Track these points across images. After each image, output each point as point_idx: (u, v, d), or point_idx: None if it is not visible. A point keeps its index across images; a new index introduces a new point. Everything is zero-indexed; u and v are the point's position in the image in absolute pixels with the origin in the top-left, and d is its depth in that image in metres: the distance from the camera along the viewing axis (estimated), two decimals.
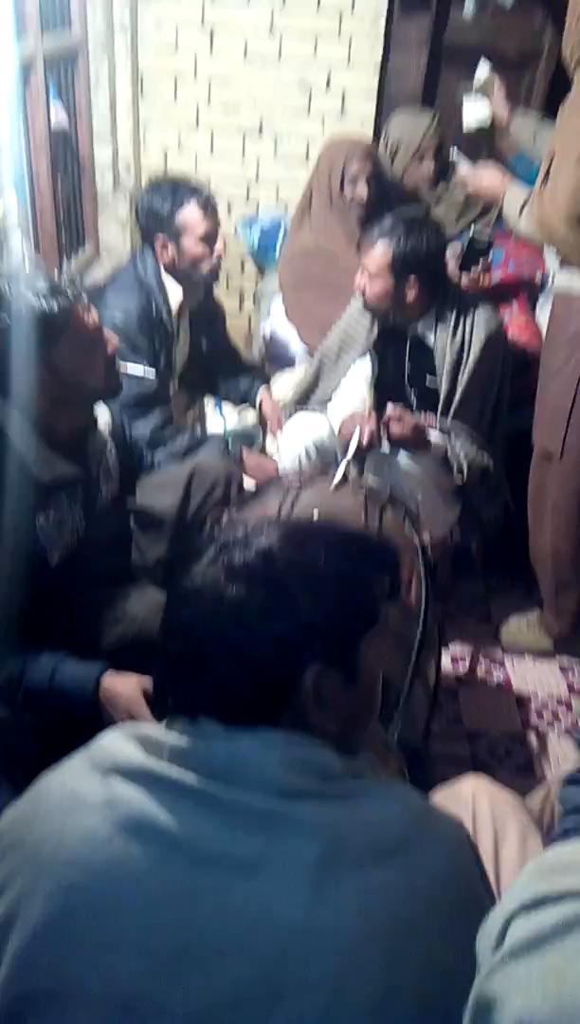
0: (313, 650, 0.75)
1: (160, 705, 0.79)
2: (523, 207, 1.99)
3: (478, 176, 2.20)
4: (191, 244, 2.17)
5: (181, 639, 0.78)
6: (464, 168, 2.22)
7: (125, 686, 1.34)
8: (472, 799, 1.15)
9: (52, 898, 0.70)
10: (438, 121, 2.69)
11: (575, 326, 1.96)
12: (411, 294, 2.08)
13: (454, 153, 2.22)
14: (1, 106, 1.92)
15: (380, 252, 2.05)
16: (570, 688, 2.28)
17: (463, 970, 0.66)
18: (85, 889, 0.69)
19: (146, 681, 1.33)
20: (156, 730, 0.76)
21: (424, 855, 0.71)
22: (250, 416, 2.51)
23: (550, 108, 3.03)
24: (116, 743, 0.76)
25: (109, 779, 0.73)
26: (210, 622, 0.75)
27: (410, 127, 2.69)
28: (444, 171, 2.73)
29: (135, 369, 2.07)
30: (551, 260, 2.57)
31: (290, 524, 0.82)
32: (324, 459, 2.10)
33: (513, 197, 2.07)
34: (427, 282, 2.08)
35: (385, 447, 2.07)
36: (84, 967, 0.68)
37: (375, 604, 0.80)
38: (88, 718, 1.33)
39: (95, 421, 1.59)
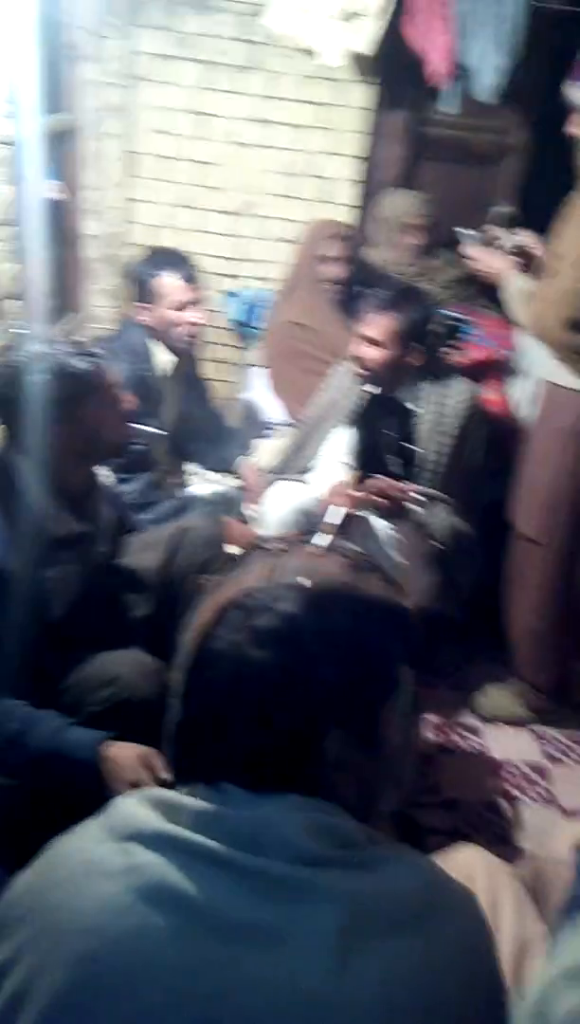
0: (336, 716, 0.75)
1: (179, 770, 0.78)
2: (520, 298, 2.05)
3: (482, 257, 2.23)
4: (165, 310, 2.26)
5: (204, 703, 0.78)
6: (469, 247, 2.27)
7: (127, 755, 1.33)
8: (468, 868, 1.16)
9: (68, 969, 0.67)
10: (427, 201, 2.86)
11: (562, 419, 2.02)
12: (413, 362, 2.17)
13: (461, 231, 2.30)
14: (1, 184, 2.00)
15: (386, 321, 2.12)
16: (546, 756, 2.29)
17: None
18: (103, 960, 0.67)
19: (147, 750, 1.33)
20: (173, 795, 0.75)
21: (443, 923, 0.71)
22: (232, 483, 2.55)
23: (522, 203, 3.23)
24: (133, 809, 0.75)
25: (128, 846, 0.71)
26: (235, 686, 0.75)
27: (399, 204, 2.89)
28: (432, 250, 2.89)
29: (148, 425, 2.14)
30: (521, 339, 2.70)
31: (313, 590, 0.82)
32: (307, 526, 2.13)
33: (512, 285, 2.12)
34: (425, 349, 2.18)
35: (365, 514, 2.12)
36: None
37: (395, 670, 0.81)
38: (82, 789, 1.31)
39: (98, 481, 1.63)
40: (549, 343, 1.97)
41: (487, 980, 0.72)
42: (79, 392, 1.46)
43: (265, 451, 2.63)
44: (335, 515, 1.93)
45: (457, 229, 2.27)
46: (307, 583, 0.81)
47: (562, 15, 2.92)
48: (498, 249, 2.25)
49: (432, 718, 2.35)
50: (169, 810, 0.73)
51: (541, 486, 2.09)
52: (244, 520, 2.43)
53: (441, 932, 0.70)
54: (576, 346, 1.92)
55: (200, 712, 0.78)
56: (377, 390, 2.26)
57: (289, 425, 2.69)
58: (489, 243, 2.29)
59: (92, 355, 1.49)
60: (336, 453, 2.33)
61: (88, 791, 1.28)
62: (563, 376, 2.01)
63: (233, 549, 2.10)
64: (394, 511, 2.12)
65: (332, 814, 0.73)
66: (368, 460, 2.31)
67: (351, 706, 0.76)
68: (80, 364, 1.46)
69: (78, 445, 1.48)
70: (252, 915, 0.67)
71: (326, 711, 0.75)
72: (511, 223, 2.30)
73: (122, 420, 1.58)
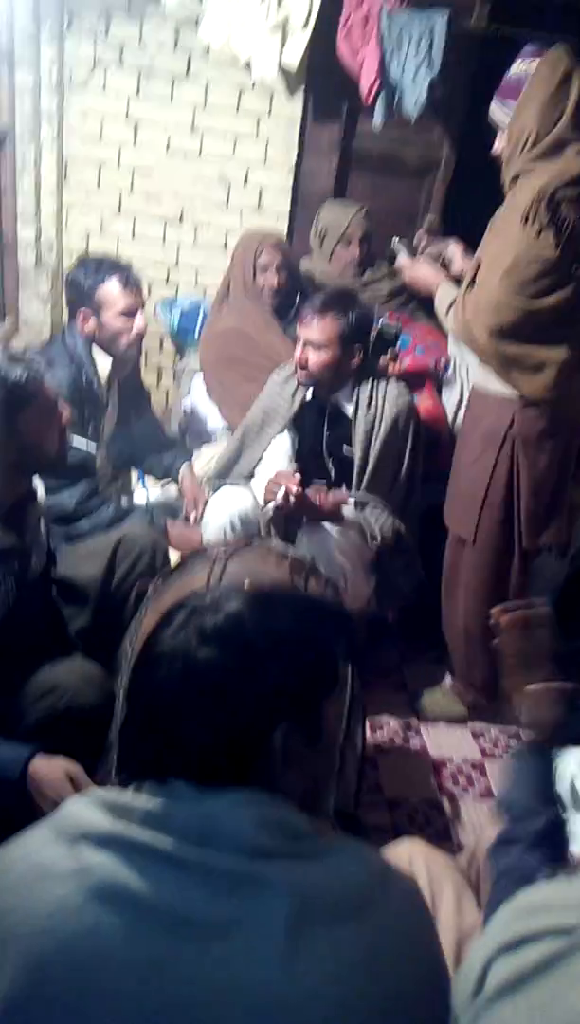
0: (282, 711, 0.78)
1: (126, 769, 0.79)
2: (450, 307, 2.10)
3: (415, 268, 2.28)
4: (111, 318, 2.25)
5: (151, 702, 0.79)
6: (403, 259, 2.32)
7: (52, 771, 1.30)
8: (409, 860, 1.19)
9: (20, 972, 0.68)
10: (364, 212, 2.92)
11: (489, 423, 2.08)
12: (354, 363, 2.23)
13: (396, 243, 2.32)
14: None
15: (328, 324, 2.18)
16: (483, 752, 2.36)
17: (429, 1020, 0.69)
18: (55, 962, 0.68)
19: (73, 765, 1.31)
20: (122, 795, 0.76)
21: (387, 910, 0.73)
22: (173, 489, 2.55)
23: (446, 216, 3.32)
24: (81, 810, 0.75)
25: (77, 847, 0.72)
26: (182, 685, 0.77)
27: (338, 214, 2.93)
28: (370, 261, 2.95)
29: (78, 441, 2.10)
30: (453, 347, 2.78)
31: (256, 591, 0.85)
32: (248, 531, 2.15)
33: (444, 295, 2.16)
34: (364, 352, 2.24)
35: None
36: None
37: (336, 666, 0.85)
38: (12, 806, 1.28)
39: (34, 493, 1.61)
40: (476, 350, 2.03)
41: (430, 966, 0.75)
42: (13, 403, 1.43)
43: (205, 457, 2.64)
44: (280, 494, 2.00)
45: (394, 240, 2.31)
46: (250, 584, 0.84)
47: (484, 36, 3.03)
48: (428, 258, 2.31)
49: (373, 718, 2.39)
50: (118, 810, 0.74)
51: (470, 487, 2.15)
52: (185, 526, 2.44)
53: (386, 920, 0.73)
54: (501, 353, 1.98)
55: (147, 711, 0.79)
56: (313, 394, 2.31)
57: (229, 431, 2.71)
58: (417, 250, 2.35)
59: (27, 364, 1.46)
60: (276, 458, 2.35)
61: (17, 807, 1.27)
62: (488, 381, 2.07)
63: (175, 555, 2.11)
64: (333, 516, 2.16)
65: (280, 807, 0.76)
66: (307, 465, 2.35)
67: (295, 701, 0.79)
68: (14, 374, 1.43)
69: (12, 457, 1.45)
70: (203, 910, 0.69)
71: (271, 707, 0.77)
72: (436, 232, 2.36)
73: (59, 433, 1.55)
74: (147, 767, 0.77)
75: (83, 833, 0.73)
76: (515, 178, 1.92)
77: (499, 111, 1.96)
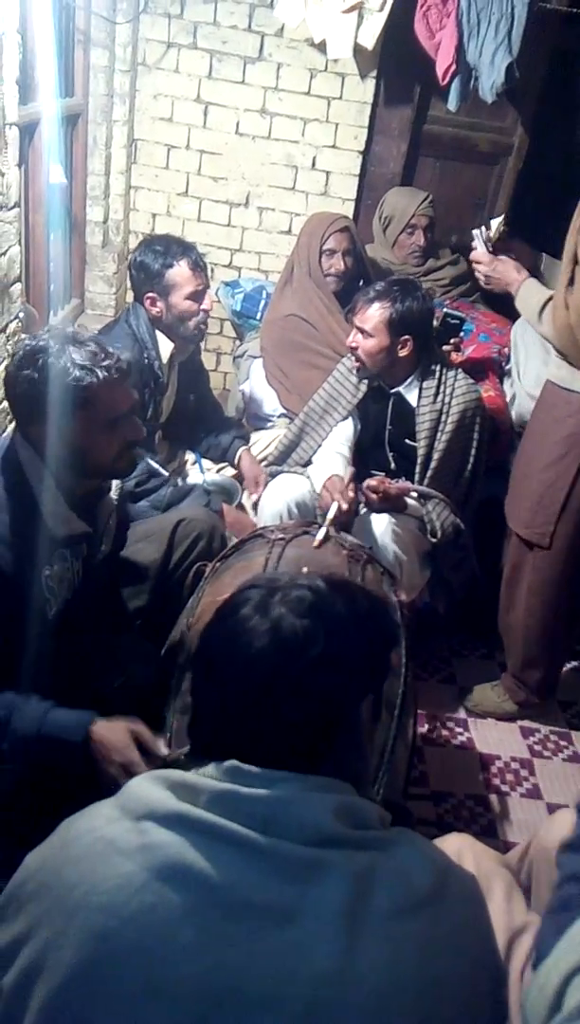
0: (365, 686, 0.78)
1: (195, 749, 0.80)
2: (543, 308, 1.97)
3: (496, 263, 2.11)
4: (179, 300, 2.25)
5: (226, 684, 0.79)
6: (481, 252, 2.14)
7: (115, 734, 1.30)
8: (458, 856, 1.18)
9: (83, 946, 0.69)
10: (430, 201, 2.88)
11: (573, 424, 1.98)
12: (404, 353, 2.20)
13: (478, 235, 2.14)
14: (9, 166, 1.99)
15: (377, 311, 2.17)
16: (531, 752, 2.33)
17: (483, 1017, 0.69)
18: (118, 936, 0.68)
19: (136, 725, 1.30)
20: (188, 776, 0.77)
21: (449, 907, 0.73)
22: (229, 472, 2.56)
23: (515, 202, 3.25)
24: (147, 789, 0.76)
25: (142, 825, 0.73)
26: (279, 659, 0.77)
27: (404, 202, 2.90)
28: (433, 249, 2.91)
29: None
30: (516, 338, 2.72)
31: (323, 576, 0.85)
32: (305, 517, 2.15)
33: (529, 294, 2.04)
34: (419, 342, 2.20)
35: (363, 510, 2.14)
36: (115, 1018, 0.67)
37: (393, 646, 0.85)
38: (73, 775, 1.29)
39: (106, 488, 1.62)
40: (574, 350, 1.91)
41: (487, 963, 0.75)
42: (69, 404, 1.36)
43: (263, 442, 2.64)
44: (332, 510, 1.95)
45: (474, 232, 2.13)
46: (308, 570, 0.84)
47: (564, 16, 2.95)
48: (505, 256, 2.15)
49: (422, 711, 2.38)
50: (184, 790, 0.75)
51: (546, 491, 2.06)
52: (242, 510, 2.45)
53: (447, 915, 0.73)
54: None
55: (221, 692, 0.79)
56: (378, 384, 2.28)
57: (286, 417, 2.70)
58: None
59: (95, 370, 1.37)
60: (336, 446, 2.34)
61: (80, 776, 1.28)
62: (574, 380, 1.98)
63: (232, 537, 2.12)
64: (392, 507, 2.15)
65: (349, 795, 0.76)
66: (368, 455, 2.33)
67: (375, 678, 0.80)
68: (74, 376, 1.36)
69: (66, 456, 1.40)
70: (265, 895, 0.69)
71: (361, 678, 0.78)
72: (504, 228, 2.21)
73: (119, 447, 1.46)
74: (214, 748, 0.77)
75: (149, 811, 0.74)
76: None
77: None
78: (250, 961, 0.68)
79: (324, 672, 0.76)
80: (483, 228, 2.10)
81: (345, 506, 2.00)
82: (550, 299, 1.95)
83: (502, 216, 2.09)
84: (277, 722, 0.76)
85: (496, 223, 2.08)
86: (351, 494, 2.05)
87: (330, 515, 1.92)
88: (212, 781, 0.75)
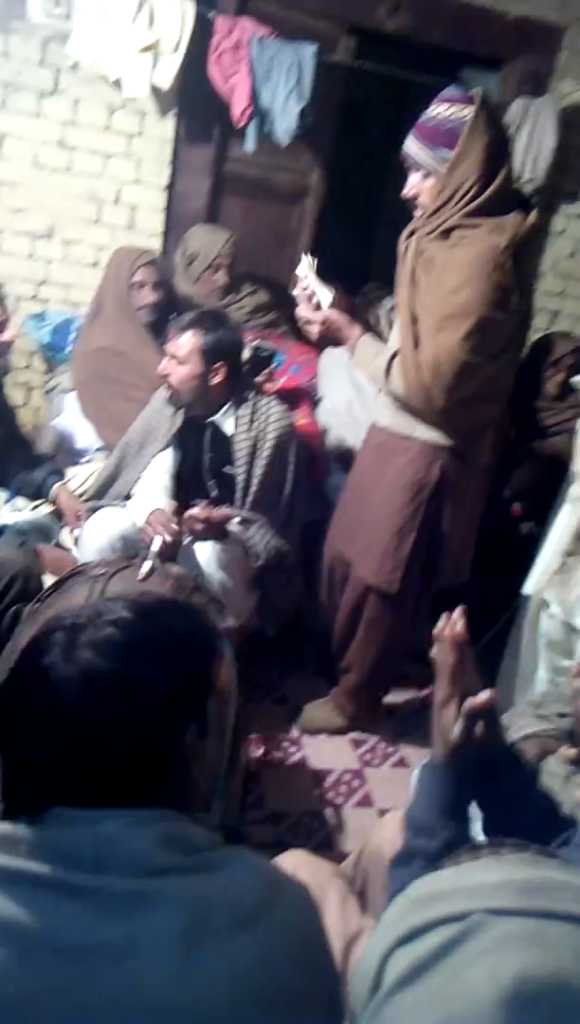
0: (186, 714, 0.78)
1: (11, 802, 0.77)
2: (389, 367, 1.96)
3: (329, 322, 2.07)
4: None
5: (33, 729, 0.76)
6: (308, 313, 2.08)
7: None
8: (293, 872, 1.20)
9: None
10: (233, 240, 2.96)
11: (414, 472, 2.03)
12: (217, 380, 2.24)
13: (299, 294, 2.11)
14: None
15: (190, 338, 2.21)
16: (362, 761, 2.42)
17: (321, 1019, 0.71)
18: None
19: None
20: (5, 828, 0.74)
21: (281, 916, 0.75)
22: (45, 510, 2.48)
23: (316, 241, 3.43)
24: None
25: None
26: (63, 707, 0.75)
27: (208, 242, 2.96)
28: (235, 284, 3.01)
29: None
30: (323, 366, 2.85)
31: (128, 600, 0.83)
32: (129, 551, 2.13)
33: (369, 353, 2.03)
34: (230, 370, 2.25)
35: (188, 539, 2.15)
36: None
37: (213, 662, 0.86)
38: None
39: None
40: (429, 411, 1.94)
41: (323, 969, 0.77)
42: None
43: (81, 477, 2.59)
44: (156, 544, 1.96)
45: (295, 293, 2.12)
46: (127, 598, 0.83)
47: (350, 69, 3.17)
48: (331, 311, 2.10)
49: (256, 734, 2.41)
50: (4, 843, 0.72)
51: (386, 536, 2.09)
52: (61, 548, 2.38)
53: (280, 926, 0.74)
54: (458, 413, 1.93)
55: (30, 739, 0.77)
56: (192, 414, 2.31)
57: (104, 450, 2.67)
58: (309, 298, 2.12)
59: None
60: (156, 478, 2.34)
61: None
62: (412, 428, 2.02)
63: (49, 580, 2.05)
64: (216, 535, 2.17)
65: (175, 822, 0.76)
66: (188, 484, 2.35)
67: (196, 699, 0.80)
68: None
69: None
70: (99, 934, 0.68)
71: (159, 723, 0.77)
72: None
73: None
74: (30, 796, 0.75)
75: None
76: (449, 230, 1.86)
77: (423, 154, 1.86)
78: (91, 1001, 0.66)
79: (138, 710, 0.76)
80: (301, 286, 2.08)
81: (169, 538, 2.00)
82: (393, 356, 1.96)
83: (308, 257, 2.14)
84: (95, 765, 0.75)
85: (305, 264, 2.12)
86: (174, 526, 2.06)
87: (154, 548, 1.92)
88: (31, 830, 0.73)
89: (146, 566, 1.72)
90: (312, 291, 2.06)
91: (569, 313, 3.77)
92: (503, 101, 3.23)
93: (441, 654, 1.19)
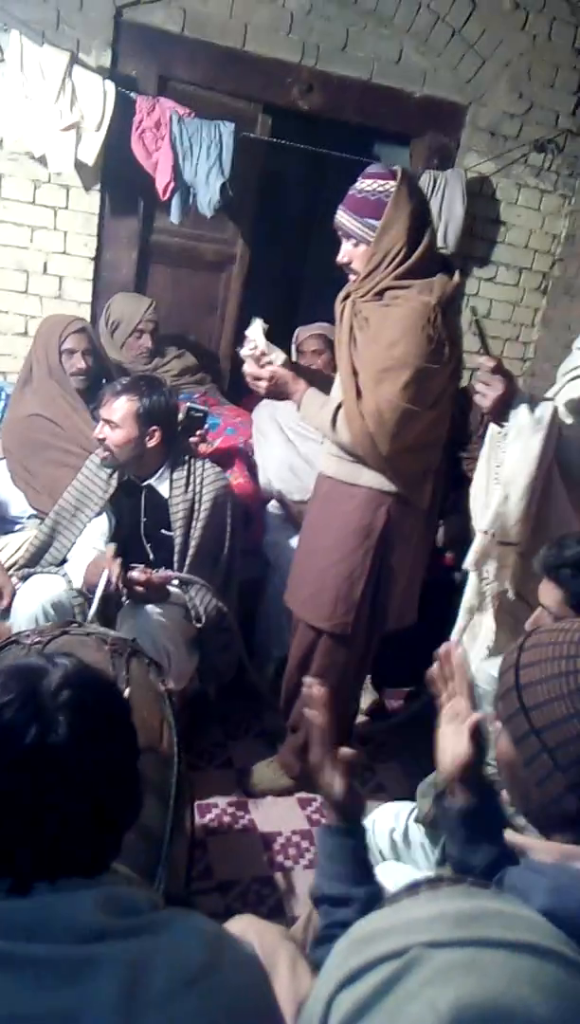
0: (100, 795, 0.77)
1: None
2: (334, 418, 2.04)
3: (275, 379, 2.12)
4: None
5: None
6: (255, 370, 2.13)
7: None
8: (242, 936, 1.18)
9: None
10: (154, 307, 3.03)
11: (359, 517, 2.10)
12: (152, 443, 2.26)
13: (245, 353, 2.15)
14: None
15: (124, 403, 2.24)
16: (310, 820, 2.39)
17: None
18: None
19: None
20: None
21: (226, 976, 0.74)
22: None
23: (242, 307, 3.52)
24: None
25: None
26: (13, 776, 0.73)
27: (130, 309, 3.02)
28: (160, 348, 3.08)
29: None
30: (258, 424, 2.89)
31: (60, 671, 0.81)
32: (63, 618, 2.09)
33: (314, 405, 2.09)
34: (165, 434, 2.28)
35: (126, 602, 2.14)
36: None
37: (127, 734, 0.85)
38: None
39: None
40: (374, 457, 2.02)
41: (273, 1017, 0.76)
42: None
43: (13, 546, 2.55)
44: (102, 582, 1.97)
45: (242, 352, 2.15)
46: (59, 664, 0.82)
47: (269, 143, 3.32)
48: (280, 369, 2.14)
49: (202, 801, 2.36)
50: None
51: (337, 581, 2.14)
52: None
53: (224, 985, 0.73)
54: (400, 460, 2.02)
55: None
56: (126, 477, 2.32)
57: (36, 518, 2.64)
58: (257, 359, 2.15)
59: None
60: (92, 543, 2.33)
61: None
62: (356, 475, 2.09)
63: None
64: (155, 597, 2.16)
65: (115, 886, 0.75)
66: (126, 548, 2.33)
67: (109, 786, 0.78)
68: None
69: None
70: (38, 1004, 0.66)
71: (89, 791, 0.76)
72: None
73: None
74: None
75: None
76: (382, 292, 1.98)
77: (353, 224, 1.99)
78: None
79: (48, 782, 0.74)
80: (250, 347, 2.13)
81: (116, 574, 2.00)
82: (338, 408, 2.04)
83: (260, 321, 2.16)
84: (15, 838, 0.73)
85: (257, 327, 2.15)
86: (117, 568, 2.04)
87: (100, 588, 1.92)
88: None
89: (95, 606, 1.72)
90: (261, 351, 2.12)
91: None
92: (414, 174, 3.41)
93: (311, 716, 1.25)
